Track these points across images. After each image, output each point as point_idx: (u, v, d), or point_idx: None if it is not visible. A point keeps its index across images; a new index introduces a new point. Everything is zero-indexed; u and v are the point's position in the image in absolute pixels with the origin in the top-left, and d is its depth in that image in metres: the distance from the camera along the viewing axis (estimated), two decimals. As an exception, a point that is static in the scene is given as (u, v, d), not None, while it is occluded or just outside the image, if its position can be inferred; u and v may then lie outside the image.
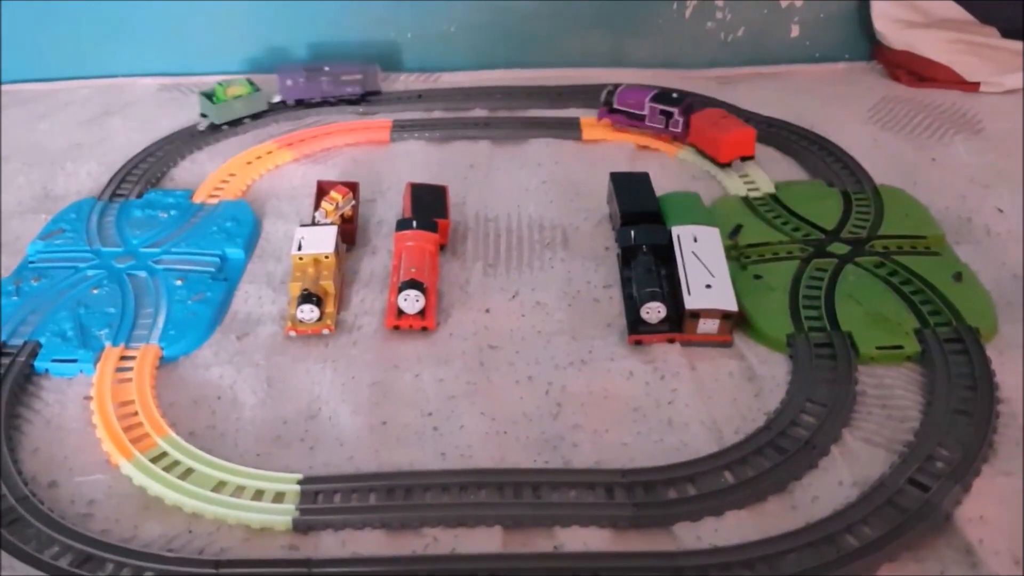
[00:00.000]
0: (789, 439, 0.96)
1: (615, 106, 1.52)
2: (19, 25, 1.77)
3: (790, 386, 1.03)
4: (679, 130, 1.48)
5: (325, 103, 1.66)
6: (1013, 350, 1.06)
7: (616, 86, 1.54)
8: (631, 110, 1.51)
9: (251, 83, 1.62)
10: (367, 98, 1.67)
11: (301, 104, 1.65)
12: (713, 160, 1.43)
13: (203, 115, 1.59)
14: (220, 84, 1.60)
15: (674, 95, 1.51)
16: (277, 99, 1.65)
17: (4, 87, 1.81)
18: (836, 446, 0.95)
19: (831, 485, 0.91)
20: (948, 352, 1.04)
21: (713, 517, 0.89)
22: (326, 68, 1.64)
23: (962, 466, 0.91)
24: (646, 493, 0.90)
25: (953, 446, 0.93)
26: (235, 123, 1.60)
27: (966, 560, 0.83)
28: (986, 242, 1.25)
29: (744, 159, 1.42)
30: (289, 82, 1.64)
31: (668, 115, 1.48)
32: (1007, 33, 1.70)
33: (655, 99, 1.49)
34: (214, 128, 1.58)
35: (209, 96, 1.58)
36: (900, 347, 1.06)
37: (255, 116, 1.62)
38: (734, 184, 1.38)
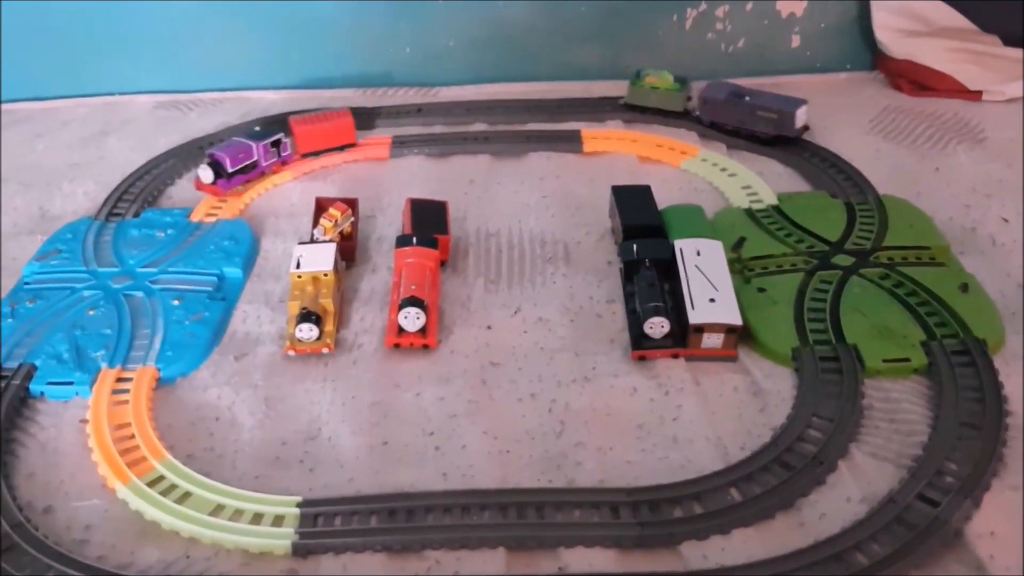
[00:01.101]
0: (796, 455, 0.94)
1: (230, 171, 1.41)
2: (16, 44, 1.77)
3: (796, 401, 1.01)
4: (289, 152, 1.50)
5: (738, 132, 1.55)
6: (1020, 361, 1.05)
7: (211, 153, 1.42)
8: (245, 163, 1.43)
9: (678, 80, 1.62)
10: (778, 142, 1.51)
11: (714, 127, 1.57)
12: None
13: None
14: (646, 70, 1.63)
15: (256, 128, 1.51)
16: (695, 113, 1.61)
17: (2, 106, 1.80)
18: (843, 461, 0.94)
19: (839, 501, 0.90)
20: (955, 364, 1.03)
21: (720, 536, 0.87)
22: (747, 97, 1.54)
23: (971, 480, 0.89)
24: (651, 512, 0.89)
25: (962, 460, 0.92)
26: (641, 110, 1.63)
27: (977, 577, 0.82)
28: (991, 252, 1.24)
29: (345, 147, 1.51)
30: (709, 101, 1.56)
31: (278, 143, 1.48)
32: (1009, 41, 1.70)
33: (253, 136, 1.46)
34: (626, 107, 1.64)
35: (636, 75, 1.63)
36: (907, 360, 1.05)
37: (666, 113, 1.62)
38: (737, 196, 1.37)
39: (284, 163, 1.49)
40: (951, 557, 0.84)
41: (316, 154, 1.52)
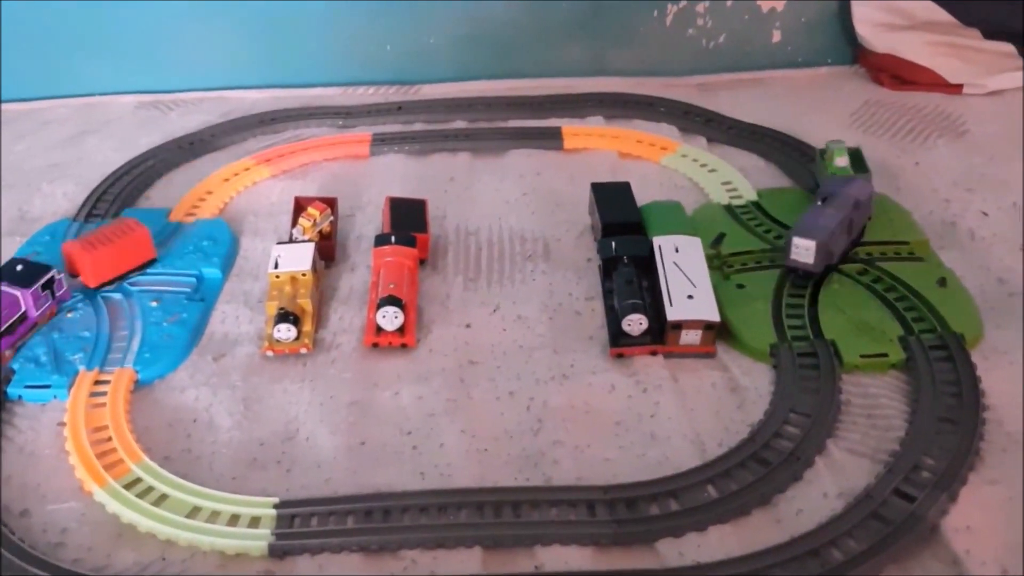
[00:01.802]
0: (773, 451, 0.94)
1: None
2: (-4, 45, 1.76)
3: (773, 397, 1.01)
4: (64, 288, 1.17)
5: None
6: (998, 356, 1.05)
7: None
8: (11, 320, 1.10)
9: (856, 154, 1.32)
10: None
11: None
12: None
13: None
14: (833, 148, 1.31)
15: (18, 267, 1.15)
16: None
17: (-18, 108, 1.79)
18: (820, 457, 0.94)
19: (816, 497, 0.90)
20: (933, 359, 1.03)
21: (696, 533, 0.87)
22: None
23: (948, 475, 0.89)
24: (628, 509, 0.89)
25: (939, 455, 0.92)
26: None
27: (952, 571, 0.82)
28: (970, 246, 1.24)
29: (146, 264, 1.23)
30: None
31: (50, 284, 1.15)
32: (989, 35, 1.69)
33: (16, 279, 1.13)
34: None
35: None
36: (884, 355, 1.05)
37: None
38: (717, 192, 1.37)
39: (58, 303, 1.16)
40: (927, 552, 0.84)
41: (110, 282, 1.21)
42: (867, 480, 0.91)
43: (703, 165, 1.44)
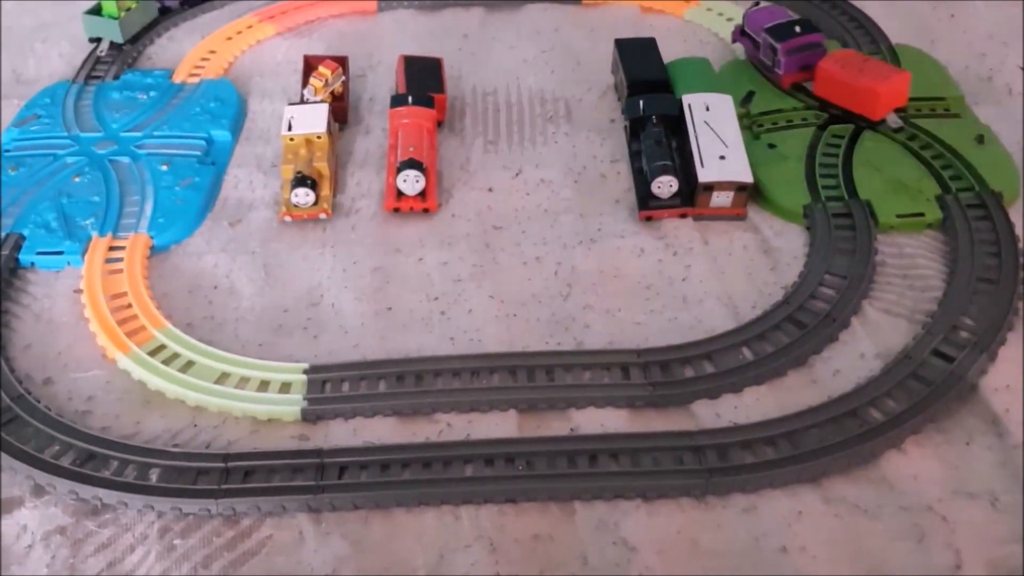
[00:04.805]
0: (808, 313, 0.93)
1: (745, 29, 1.26)
2: None
3: (808, 258, 0.99)
4: (781, 72, 1.20)
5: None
6: (1038, 214, 1.03)
7: (757, 3, 1.27)
8: (755, 36, 1.23)
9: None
10: None
11: None
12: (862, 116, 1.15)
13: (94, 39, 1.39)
14: None
15: (797, 28, 1.20)
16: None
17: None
18: (857, 318, 0.93)
19: (853, 358, 0.89)
20: (971, 218, 1.00)
21: (732, 394, 0.87)
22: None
23: (987, 335, 0.88)
24: (662, 372, 0.88)
25: (977, 315, 0.90)
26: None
27: (992, 430, 0.82)
28: (1007, 102, 1.20)
29: (898, 112, 1.16)
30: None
31: (774, 50, 1.21)
32: None
33: (770, 30, 1.21)
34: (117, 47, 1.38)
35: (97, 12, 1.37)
36: (921, 215, 1.02)
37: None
38: (744, 48, 1.31)
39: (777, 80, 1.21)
40: (966, 411, 0.84)
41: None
42: (905, 341, 0.90)
43: (729, 19, 1.37)
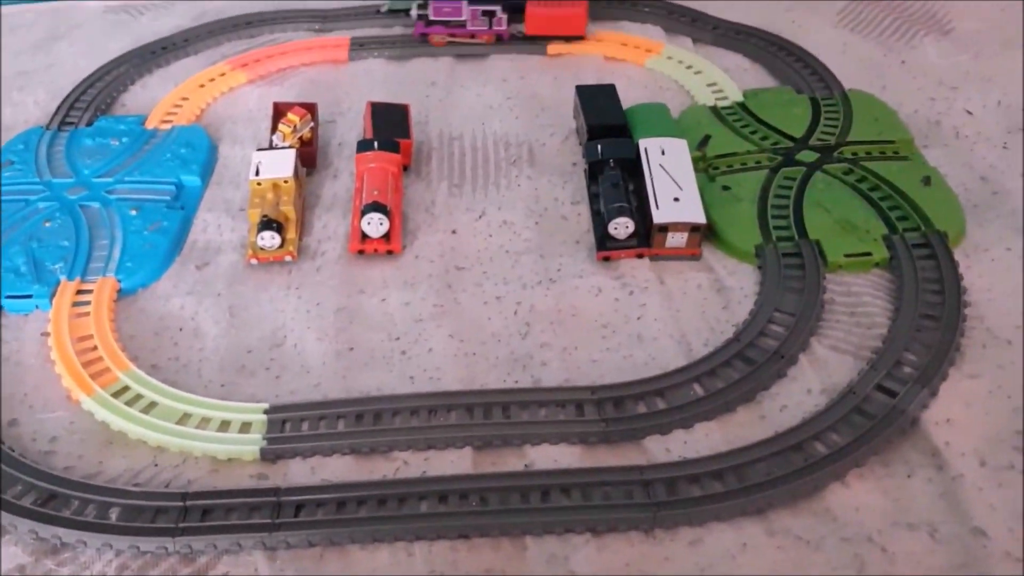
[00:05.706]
0: (758, 350, 0.95)
1: (432, 18, 1.49)
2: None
3: (759, 297, 1.02)
4: (504, 27, 1.49)
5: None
6: (981, 253, 1.06)
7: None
8: (449, 19, 1.49)
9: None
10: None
11: None
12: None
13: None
14: None
15: None
16: None
17: (-57, 14, 1.73)
18: (804, 355, 0.95)
19: (799, 394, 0.92)
20: (916, 257, 1.04)
21: (682, 430, 0.89)
22: None
23: (929, 370, 0.91)
24: (616, 408, 0.90)
25: (920, 351, 0.93)
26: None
27: (932, 463, 0.84)
28: (955, 144, 1.24)
29: (570, 39, 1.49)
30: None
31: (490, 14, 1.48)
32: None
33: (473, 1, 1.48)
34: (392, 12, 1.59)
35: None
36: (868, 254, 1.05)
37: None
38: (702, 93, 1.35)
39: (498, 36, 1.50)
40: (908, 445, 0.86)
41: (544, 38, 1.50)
42: (850, 376, 0.92)
43: (688, 67, 1.42)
